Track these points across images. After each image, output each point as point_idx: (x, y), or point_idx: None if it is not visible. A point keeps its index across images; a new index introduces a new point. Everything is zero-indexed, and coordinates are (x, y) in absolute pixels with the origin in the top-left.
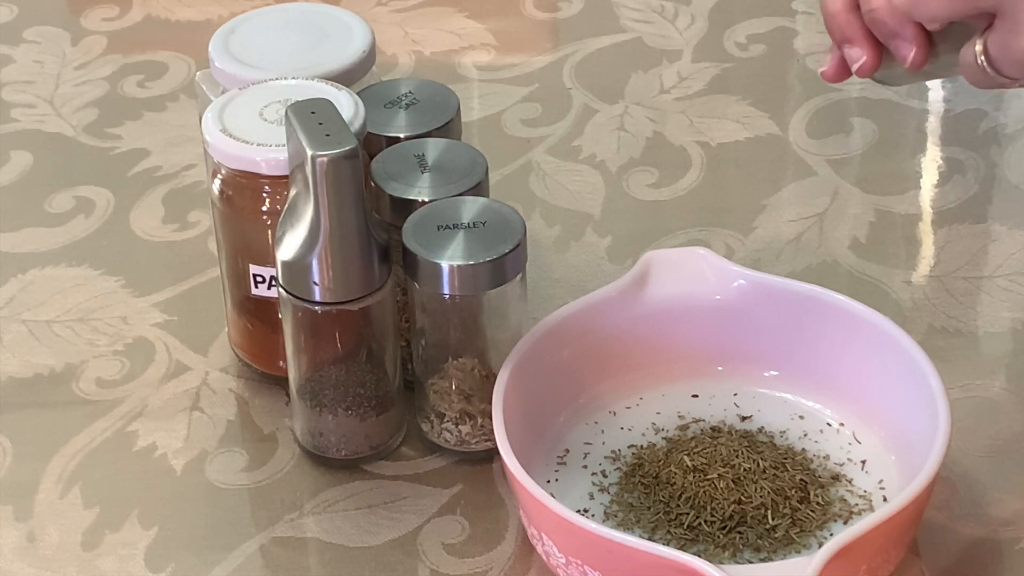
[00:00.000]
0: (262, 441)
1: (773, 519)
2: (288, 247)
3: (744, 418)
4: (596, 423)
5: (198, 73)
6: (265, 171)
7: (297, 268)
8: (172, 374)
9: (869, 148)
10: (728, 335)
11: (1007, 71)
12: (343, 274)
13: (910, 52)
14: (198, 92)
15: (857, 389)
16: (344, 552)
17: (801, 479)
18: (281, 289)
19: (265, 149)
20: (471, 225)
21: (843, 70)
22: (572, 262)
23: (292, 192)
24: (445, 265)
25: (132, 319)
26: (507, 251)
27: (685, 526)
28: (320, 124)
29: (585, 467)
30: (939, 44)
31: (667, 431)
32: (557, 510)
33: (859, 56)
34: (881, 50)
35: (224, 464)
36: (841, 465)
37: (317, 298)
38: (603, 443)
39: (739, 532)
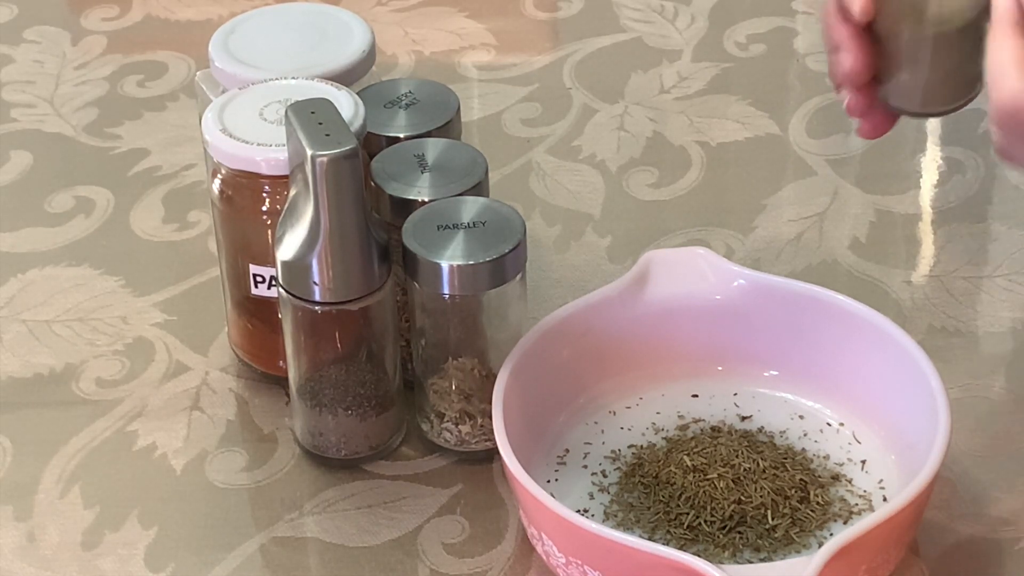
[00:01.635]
0: (262, 441)
1: (773, 519)
2: (288, 247)
3: (744, 418)
4: (596, 423)
5: (198, 73)
6: (265, 171)
7: (297, 268)
8: (172, 374)
9: (869, 148)
10: (728, 335)
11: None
12: (343, 274)
13: (847, 61)
14: (198, 92)
15: (857, 389)
16: (344, 552)
17: (801, 479)
18: (281, 289)
19: (265, 149)
20: (471, 225)
21: (875, 124)
22: (572, 262)
23: (292, 192)
24: (445, 265)
25: (132, 319)
26: (507, 251)
27: (685, 526)
28: (320, 124)
29: (585, 467)
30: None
31: (667, 431)
32: (557, 510)
33: (842, 61)
34: (865, 52)
35: (224, 464)
36: (841, 465)
37: (317, 298)
38: (603, 443)
39: (739, 532)
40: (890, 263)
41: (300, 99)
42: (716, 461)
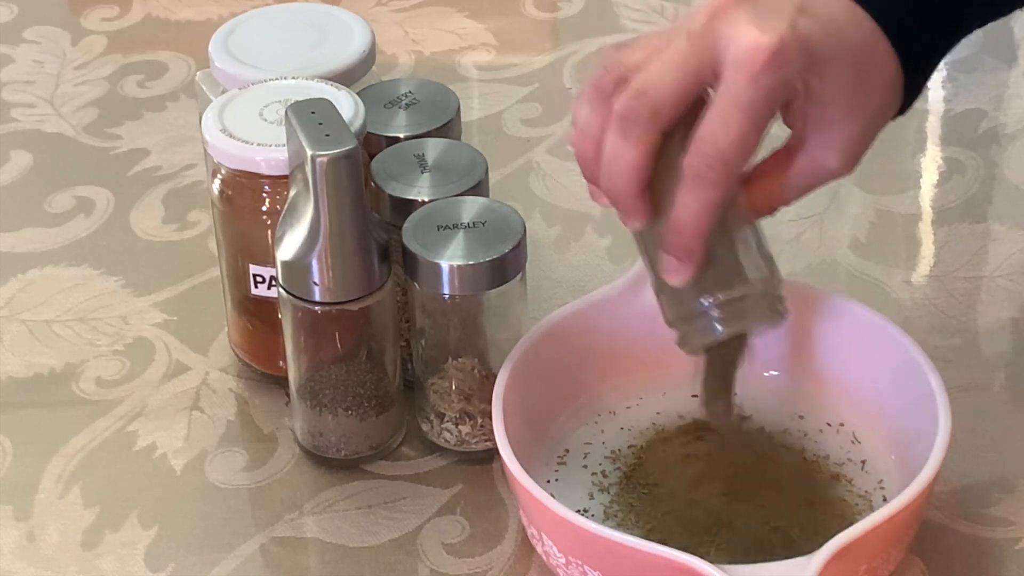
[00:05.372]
0: (262, 441)
1: (773, 519)
2: (288, 247)
3: (744, 418)
4: (596, 423)
5: (198, 73)
6: (265, 171)
7: (297, 268)
8: (172, 374)
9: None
10: None
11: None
12: (343, 274)
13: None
14: (198, 92)
15: (857, 389)
16: (344, 552)
17: (801, 479)
18: (281, 289)
19: (265, 149)
20: (471, 225)
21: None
22: (572, 262)
23: (292, 192)
24: (445, 265)
25: (132, 319)
26: (507, 251)
27: (685, 526)
28: (320, 124)
29: (585, 467)
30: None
31: (667, 431)
32: (557, 510)
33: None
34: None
35: (224, 464)
36: (841, 465)
37: (317, 298)
38: (603, 443)
39: (739, 532)
40: (890, 263)
41: (300, 99)
42: (716, 461)
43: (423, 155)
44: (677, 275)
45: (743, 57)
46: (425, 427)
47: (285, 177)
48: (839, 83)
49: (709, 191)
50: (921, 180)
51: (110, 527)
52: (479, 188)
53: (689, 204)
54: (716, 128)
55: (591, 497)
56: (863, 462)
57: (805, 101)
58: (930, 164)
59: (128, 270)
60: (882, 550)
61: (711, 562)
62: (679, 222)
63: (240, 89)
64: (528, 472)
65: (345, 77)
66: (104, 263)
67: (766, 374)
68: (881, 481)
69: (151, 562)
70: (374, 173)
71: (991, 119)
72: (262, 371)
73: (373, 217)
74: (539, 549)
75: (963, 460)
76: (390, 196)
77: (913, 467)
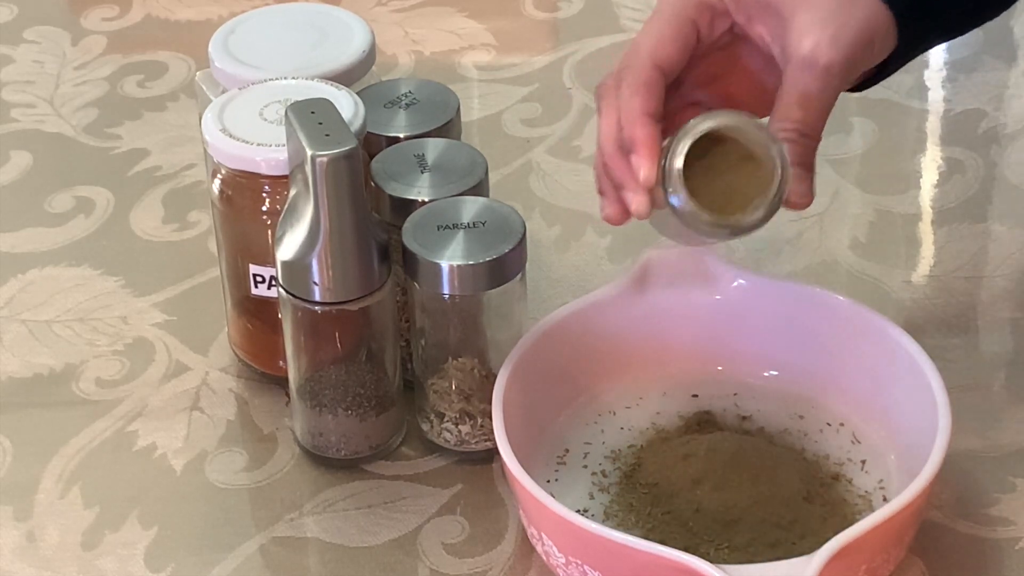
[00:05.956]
0: (262, 441)
1: (773, 519)
2: (288, 247)
3: (744, 418)
4: (596, 423)
5: (198, 73)
6: (265, 171)
7: (297, 268)
8: (172, 374)
9: (869, 148)
10: (728, 335)
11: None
12: (343, 274)
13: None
14: (198, 92)
15: (857, 389)
16: (344, 552)
17: (801, 479)
18: (281, 289)
19: (265, 149)
20: (471, 225)
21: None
22: (572, 262)
23: (292, 192)
24: (445, 265)
25: (132, 319)
26: (507, 251)
27: (685, 526)
28: (320, 124)
29: (585, 467)
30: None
31: (667, 431)
32: (557, 510)
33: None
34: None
35: (224, 464)
36: (841, 465)
37: (317, 298)
38: (603, 443)
39: (739, 532)
40: (890, 263)
41: (300, 99)
42: (716, 461)
43: (423, 155)
44: (640, 170)
45: None
46: (425, 427)
47: (285, 177)
48: None
49: (626, 89)
50: (921, 180)
51: (110, 527)
52: (479, 188)
53: (623, 99)
54: (636, 37)
55: (591, 497)
56: (863, 462)
57: (745, 8)
58: (930, 164)
59: (128, 270)
60: (882, 550)
61: (711, 562)
62: (623, 115)
63: (240, 89)
64: (528, 472)
65: (345, 77)
66: (104, 263)
67: (766, 374)
68: (881, 481)
69: (151, 562)
70: (374, 173)
71: (991, 119)
72: (262, 371)
73: (373, 217)
74: (539, 549)
75: (963, 460)
76: (390, 196)
77: (913, 467)
